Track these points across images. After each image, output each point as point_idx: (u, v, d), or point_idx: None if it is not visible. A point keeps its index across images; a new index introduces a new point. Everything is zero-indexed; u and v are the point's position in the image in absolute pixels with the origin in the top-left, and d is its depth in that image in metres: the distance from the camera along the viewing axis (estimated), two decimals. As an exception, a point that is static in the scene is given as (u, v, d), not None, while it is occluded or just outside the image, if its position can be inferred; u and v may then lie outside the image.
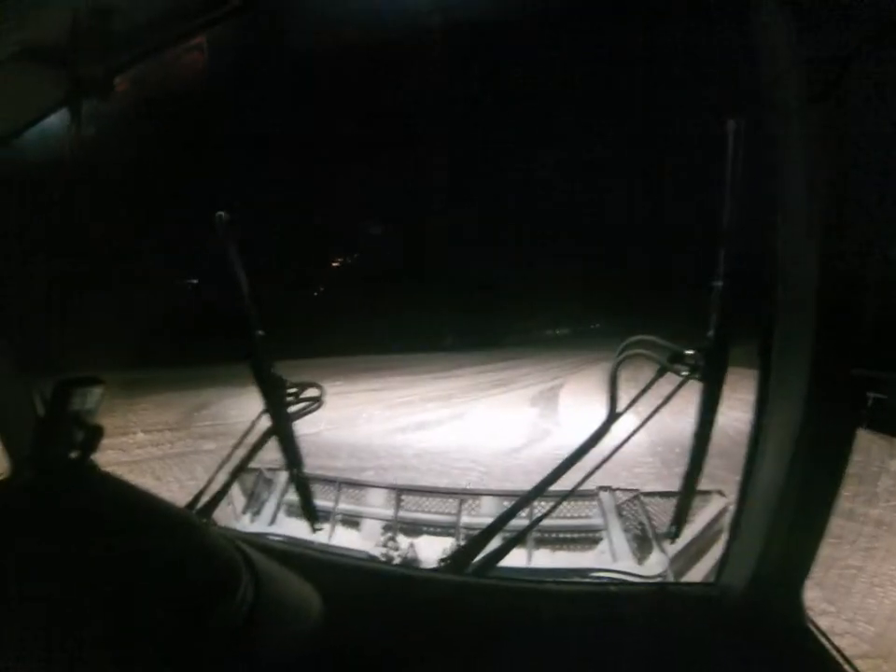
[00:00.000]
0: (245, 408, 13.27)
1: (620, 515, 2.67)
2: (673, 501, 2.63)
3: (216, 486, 1.99)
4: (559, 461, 1.55)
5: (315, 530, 1.94)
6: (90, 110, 1.45)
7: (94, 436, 1.47)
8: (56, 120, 1.58)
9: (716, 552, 2.35)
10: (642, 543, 2.49)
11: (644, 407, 1.50)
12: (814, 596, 1.08)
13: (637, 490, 2.78)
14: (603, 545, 2.57)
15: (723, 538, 2.37)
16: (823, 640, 1.12)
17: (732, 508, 2.49)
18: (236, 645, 0.96)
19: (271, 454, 2.02)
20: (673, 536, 2.31)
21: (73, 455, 1.45)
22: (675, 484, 2.18)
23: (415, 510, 2.98)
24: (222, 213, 1.67)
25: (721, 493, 2.58)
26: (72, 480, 1.28)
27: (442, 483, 3.16)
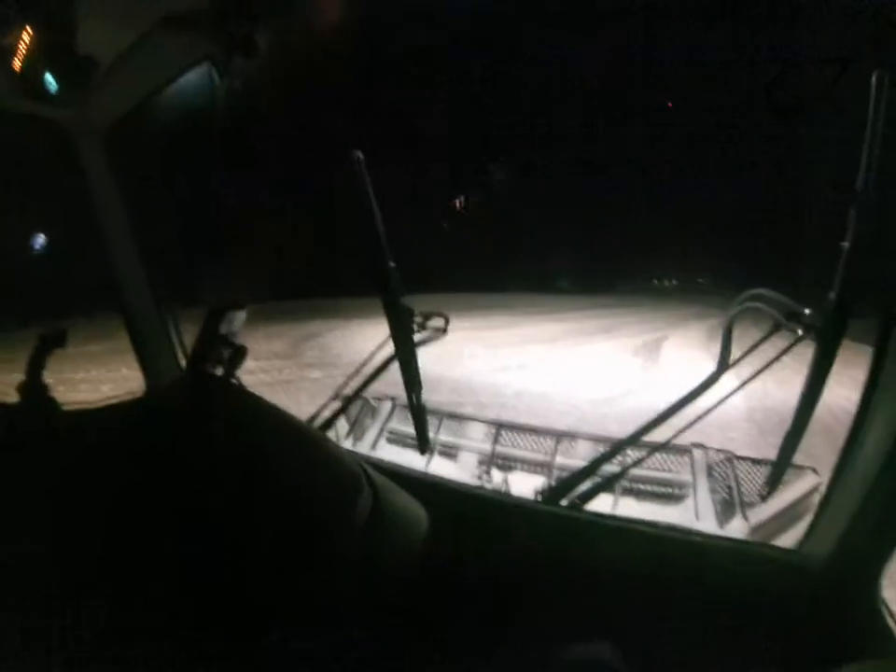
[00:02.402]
0: (349, 339, 13.80)
1: (709, 475, 2.65)
2: (765, 470, 2.58)
3: (326, 412, 2.15)
4: (654, 413, 1.57)
5: (423, 454, 2.06)
6: (235, 68, 1.57)
7: (239, 355, 1.65)
8: (195, 77, 1.72)
9: (798, 529, 2.30)
10: (727, 507, 2.46)
11: (748, 368, 1.46)
12: (889, 596, 1.07)
13: (730, 452, 2.74)
14: (688, 502, 2.57)
15: (809, 515, 2.33)
16: (894, 629, 1.12)
17: (822, 487, 2.43)
18: (357, 548, 1.07)
19: (375, 384, 2.15)
20: (759, 505, 2.30)
21: (220, 372, 1.66)
22: (768, 454, 2.14)
23: (512, 446, 3.07)
24: (359, 153, 1.76)
25: (814, 470, 2.47)
26: (223, 395, 1.45)
27: (540, 423, 3.19)
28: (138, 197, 2.08)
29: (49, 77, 1.57)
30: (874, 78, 1.14)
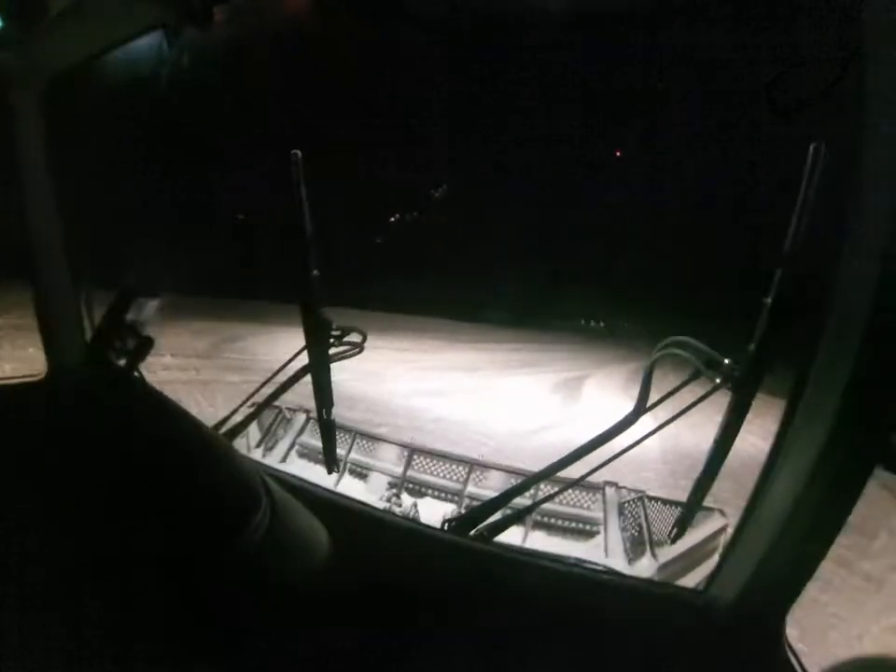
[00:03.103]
0: (272, 345, 13.51)
1: (620, 513, 2.69)
2: (675, 510, 2.66)
3: (237, 417, 2.07)
4: (570, 450, 1.56)
5: (329, 473, 1.99)
6: (187, 39, 1.50)
7: (144, 347, 1.56)
8: (147, 46, 1.64)
9: (704, 568, 2.34)
10: (636, 545, 2.51)
11: (665, 412, 1.49)
12: (792, 635, 1.10)
13: (642, 492, 2.79)
14: (598, 539, 2.60)
15: (715, 556, 2.38)
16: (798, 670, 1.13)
17: (729, 529, 2.51)
18: (249, 567, 1.02)
19: (291, 395, 2.08)
20: (668, 544, 2.35)
21: (122, 361, 1.56)
22: (678, 495, 2.19)
23: (424, 471, 3.03)
24: (297, 151, 1.70)
25: (721, 512, 2.57)
26: (118, 385, 1.36)
27: (455, 451, 3.17)
28: (69, 163, 1.96)
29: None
30: (811, 150, 1.19)
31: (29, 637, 0.85)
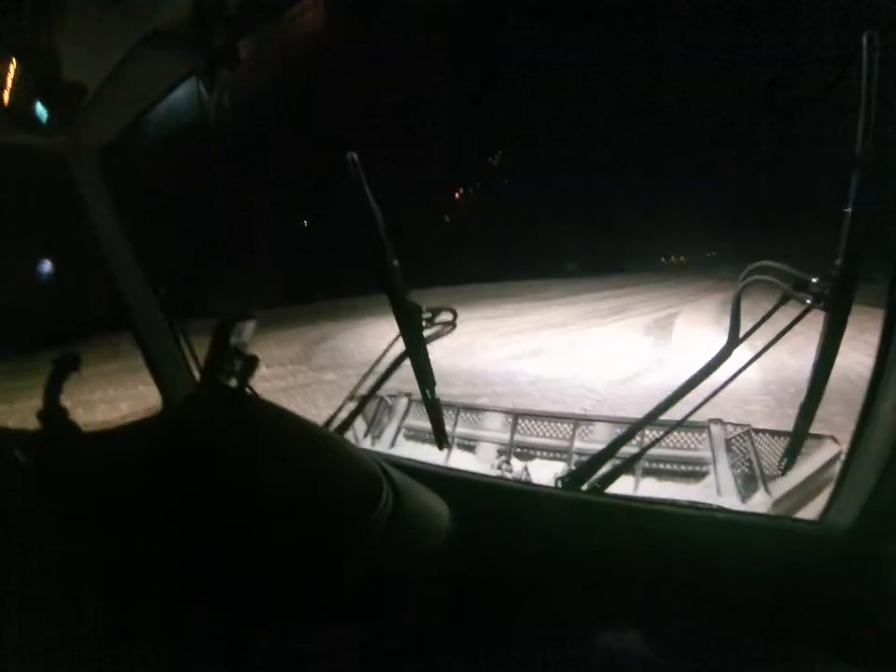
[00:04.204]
0: (360, 339, 13.83)
1: (729, 450, 2.64)
2: (784, 441, 2.54)
3: (342, 413, 2.17)
4: (671, 391, 1.55)
5: (441, 450, 2.06)
6: (221, 80, 1.58)
7: (251, 365, 1.67)
8: (185, 93, 1.74)
9: (822, 498, 2.30)
10: (748, 481, 2.46)
11: (761, 341, 1.42)
12: None
13: (748, 425, 2.72)
14: (709, 479, 2.57)
15: (832, 485, 2.34)
16: None
17: (843, 456, 2.41)
18: (381, 547, 1.08)
19: (388, 381, 2.14)
20: (780, 476, 2.29)
21: (233, 383, 1.67)
22: (787, 425, 2.15)
23: (530, 434, 3.07)
24: (353, 154, 1.75)
25: (834, 439, 2.45)
26: (237, 406, 1.47)
27: (556, 409, 3.17)
28: (139, 216, 2.10)
29: (38, 107, 1.60)
30: (864, 39, 1.13)
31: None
